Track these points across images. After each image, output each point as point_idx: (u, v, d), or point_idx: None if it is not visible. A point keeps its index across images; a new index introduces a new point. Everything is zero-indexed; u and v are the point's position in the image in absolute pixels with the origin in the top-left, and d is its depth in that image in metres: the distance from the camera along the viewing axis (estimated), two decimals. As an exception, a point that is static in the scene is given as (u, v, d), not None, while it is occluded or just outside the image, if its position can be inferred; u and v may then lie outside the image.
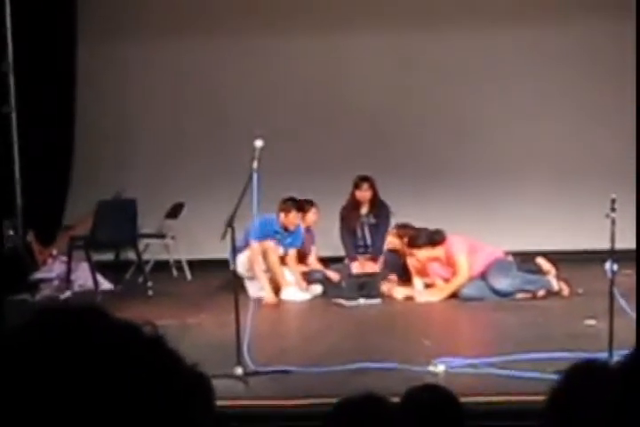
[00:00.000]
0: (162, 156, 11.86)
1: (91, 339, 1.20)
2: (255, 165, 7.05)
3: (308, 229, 10.75)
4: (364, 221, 10.80)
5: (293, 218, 10.26)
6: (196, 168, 11.70)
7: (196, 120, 11.90)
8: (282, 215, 10.19)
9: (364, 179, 10.73)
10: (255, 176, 6.97)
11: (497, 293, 9.52)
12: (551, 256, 9.99)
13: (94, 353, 1.19)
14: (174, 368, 1.26)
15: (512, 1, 11.64)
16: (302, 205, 10.53)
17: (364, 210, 10.83)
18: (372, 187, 10.74)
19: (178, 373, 1.26)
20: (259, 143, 7.14)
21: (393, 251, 10.57)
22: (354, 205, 10.79)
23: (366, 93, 11.81)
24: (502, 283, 9.54)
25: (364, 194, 10.71)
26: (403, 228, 10.43)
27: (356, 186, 10.74)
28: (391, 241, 10.53)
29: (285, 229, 10.25)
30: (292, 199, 10.36)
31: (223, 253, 7.23)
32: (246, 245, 9.72)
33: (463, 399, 3.71)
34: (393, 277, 10.30)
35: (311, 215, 10.79)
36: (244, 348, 6.70)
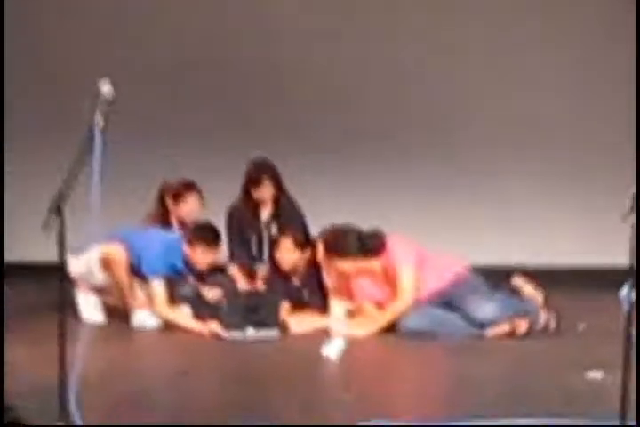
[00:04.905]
0: None
1: None
2: (100, 120, 5.13)
3: (182, 224, 8.42)
4: (262, 229, 8.38)
5: (203, 255, 7.88)
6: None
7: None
8: (187, 248, 7.89)
9: (263, 170, 8.27)
10: (99, 137, 5.09)
11: (478, 324, 7.39)
12: (535, 274, 8.09)
13: None
14: None
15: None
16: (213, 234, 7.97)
17: (265, 214, 8.41)
18: (277, 181, 8.27)
19: None
20: (105, 88, 5.14)
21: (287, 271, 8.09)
22: (249, 206, 8.38)
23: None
24: (485, 309, 7.34)
25: (264, 193, 8.31)
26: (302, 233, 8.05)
27: (252, 181, 8.27)
28: (288, 254, 7.93)
29: (190, 267, 7.95)
30: (207, 227, 7.98)
31: (46, 255, 5.35)
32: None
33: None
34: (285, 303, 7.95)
35: (190, 203, 8.43)
36: (71, 396, 5.19)
